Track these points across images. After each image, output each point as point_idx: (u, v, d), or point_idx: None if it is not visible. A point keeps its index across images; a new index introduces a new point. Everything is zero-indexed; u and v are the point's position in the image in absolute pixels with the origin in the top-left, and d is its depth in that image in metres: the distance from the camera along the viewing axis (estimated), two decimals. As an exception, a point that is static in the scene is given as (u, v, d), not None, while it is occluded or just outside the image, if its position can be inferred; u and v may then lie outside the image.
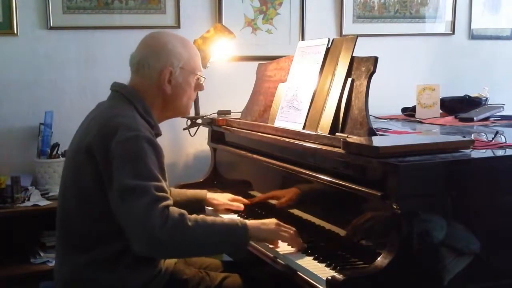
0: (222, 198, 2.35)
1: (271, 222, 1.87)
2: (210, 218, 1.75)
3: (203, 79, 2.00)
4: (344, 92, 1.96)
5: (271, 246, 1.88)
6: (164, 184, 1.72)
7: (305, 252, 1.82)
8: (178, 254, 1.82)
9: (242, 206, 2.32)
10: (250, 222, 1.83)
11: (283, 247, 1.87)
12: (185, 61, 1.92)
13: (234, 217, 2.28)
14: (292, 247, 1.86)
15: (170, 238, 1.63)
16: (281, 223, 1.89)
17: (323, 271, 1.67)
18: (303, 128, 2.08)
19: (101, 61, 3.01)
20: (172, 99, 1.92)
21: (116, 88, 1.90)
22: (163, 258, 1.83)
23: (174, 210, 1.66)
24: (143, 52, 1.90)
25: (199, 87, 2.00)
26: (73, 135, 1.90)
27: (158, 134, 1.90)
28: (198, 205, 2.30)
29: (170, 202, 1.68)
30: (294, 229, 1.88)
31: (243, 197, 2.38)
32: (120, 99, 1.86)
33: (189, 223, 1.66)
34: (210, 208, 2.36)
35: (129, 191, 1.64)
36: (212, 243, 1.73)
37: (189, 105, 2.00)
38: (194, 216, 1.71)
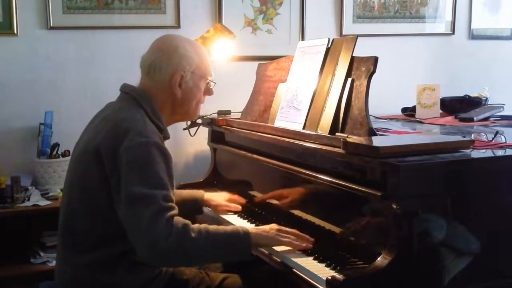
0: (219, 198, 2.33)
1: (271, 228, 1.85)
2: (212, 228, 1.74)
3: (213, 83, 2.01)
4: (344, 92, 1.96)
5: None
6: (171, 192, 1.72)
7: (305, 252, 1.82)
8: (181, 264, 1.82)
9: (239, 207, 2.30)
10: (252, 230, 1.81)
11: (285, 248, 1.85)
12: (196, 65, 1.91)
13: (234, 217, 2.27)
14: (296, 250, 1.82)
15: (173, 249, 1.62)
16: (282, 228, 1.86)
17: (323, 271, 1.67)
18: (303, 128, 2.08)
19: (101, 61, 3.01)
20: (182, 103, 1.92)
21: (126, 90, 1.90)
22: (166, 266, 1.83)
23: (179, 221, 1.66)
24: (154, 55, 1.89)
25: (208, 91, 2.01)
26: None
27: (166, 137, 1.90)
28: (195, 206, 2.27)
29: (175, 211, 1.68)
30: (295, 231, 1.86)
31: (243, 197, 2.38)
32: (130, 102, 1.86)
33: (192, 234, 1.66)
34: (209, 208, 2.35)
35: (136, 199, 1.64)
36: (215, 253, 1.73)
37: (197, 109, 2.00)
38: (197, 225, 1.70)
